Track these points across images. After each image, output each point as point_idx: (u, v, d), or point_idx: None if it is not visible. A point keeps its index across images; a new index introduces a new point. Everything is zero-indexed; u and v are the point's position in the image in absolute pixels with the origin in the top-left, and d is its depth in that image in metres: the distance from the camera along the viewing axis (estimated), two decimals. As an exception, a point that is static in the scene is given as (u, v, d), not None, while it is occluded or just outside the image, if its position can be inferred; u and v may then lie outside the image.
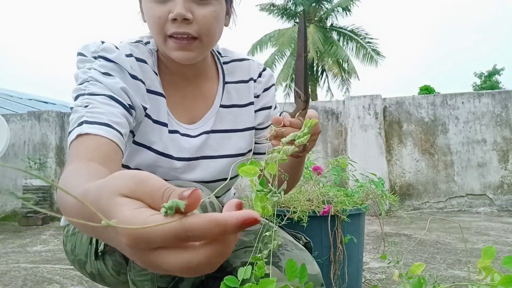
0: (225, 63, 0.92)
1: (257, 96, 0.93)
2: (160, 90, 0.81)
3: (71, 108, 0.72)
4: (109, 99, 0.70)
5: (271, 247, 0.70)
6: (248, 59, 0.95)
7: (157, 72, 0.82)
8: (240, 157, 0.90)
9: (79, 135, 0.64)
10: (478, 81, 26.92)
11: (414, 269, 0.63)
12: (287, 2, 18.47)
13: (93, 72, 0.73)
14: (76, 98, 0.71)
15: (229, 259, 0.82)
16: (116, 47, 0.76)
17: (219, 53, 0.93)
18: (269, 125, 0.96)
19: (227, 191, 1.01)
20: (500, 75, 26.38)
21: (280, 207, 1.36)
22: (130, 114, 0.74)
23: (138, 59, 0.79)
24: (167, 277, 0.69)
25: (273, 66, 18.02)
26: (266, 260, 0.79)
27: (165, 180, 0.35)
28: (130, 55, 0.78)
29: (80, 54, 0.76)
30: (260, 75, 0.94)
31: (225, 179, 0.89)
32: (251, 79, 0.92)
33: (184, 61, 0.77)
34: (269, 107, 0.95)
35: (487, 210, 4.30)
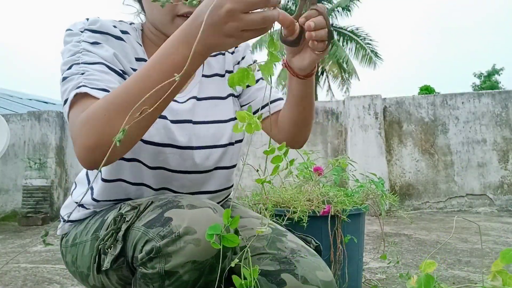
0: None
1: (237, 63, 0.99)
2: (144, 57, 0.85)
3: (64, 78, 0.72)
4: (105, 67, 0.74)
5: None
6: None
7: (141, 43, 0.87)
8: (231, 122, 0.91)
9: (78, 94, 0.67)
10: (478, 81, 26.92)
11: (425, 267, 0.62)
12: (287, 2, 18.47)
13: (83, 44, 0.76)
14: (69, 67, 0.73)
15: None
16: (99, 18, 0.81)
17: None
18: (256, 81, 0.98)
19: (230, 187, 1.00)
20: (499, 75, 26.41)
21: (280, 207, 1.36)
22: (125, 79, 0.77)
23: (122, 31, 0.84)
24: None
25: (273, 66, 17.98)
26: (281, 267, 0.78)
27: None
28: (114, 26, 0.83)
29: (68, 29, 0.80)
30: (236, 46, 0.99)
31: (219, 146, 0.88)
32: (227, 51, 0.97)
33: None
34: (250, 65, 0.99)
35: (487, 210, 4.30)
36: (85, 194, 0.74)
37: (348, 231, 1.37)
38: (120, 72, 0.76)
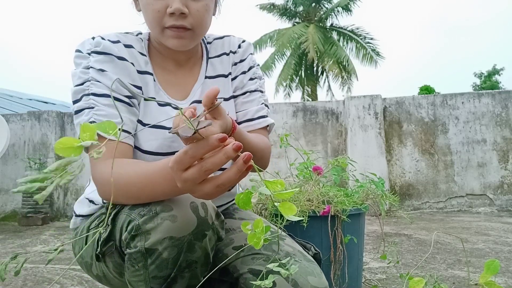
0: (208, 43, 1.00)
1: (234, 64, 1.00)
2: (146, 69, 0.88)
3: (76, 111, 0.80)
4: (111, 99, 0.79)
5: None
6: (229, 36, 1.02)
7: (145, 53, 0.90)
8: None
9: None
10: (478, 81, 26.90)
11: (413, 285, 0.62)
12: (287, 2, 18.46)
13: (91, 71, 0.81)
14: (80, 98, 0.80)
15: (237, 265, 0.82)
16: (103, 38, 0.85)
17: (204, 37, 1.01)
18: (244, 93, 0.98)
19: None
20: (500, 75, 26.36)
21: (280, 207, 1.36)
22: (131, 104, 0.83)
23: (125, 45, 0.87)
24: (160, 279, 0.69)
25: (273, 66, 18.00)
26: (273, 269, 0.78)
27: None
28: (117, 42, 0.86)
29: (77, 50, 0.85)
30: (239, 46, 1.01)
31: None
32: (231, 51, 0.99)
33: (179, 48, 0.85)
34: (243, 72, 0.99)
35: (487, 210, 4.30)
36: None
37: (348, 231, 1.37)
38: (126, 99, 0.82)
